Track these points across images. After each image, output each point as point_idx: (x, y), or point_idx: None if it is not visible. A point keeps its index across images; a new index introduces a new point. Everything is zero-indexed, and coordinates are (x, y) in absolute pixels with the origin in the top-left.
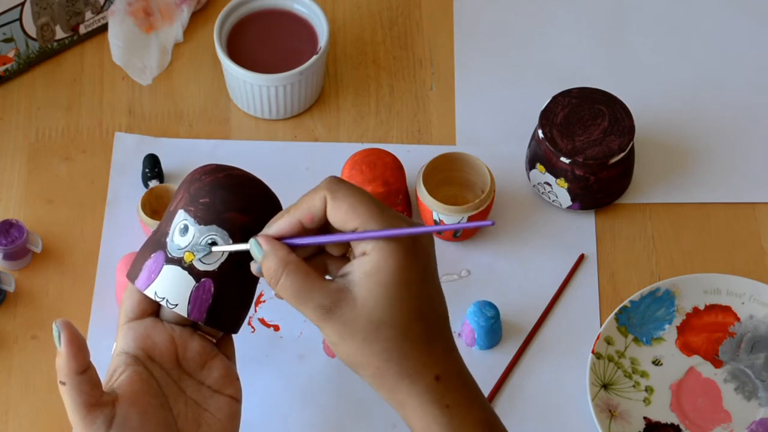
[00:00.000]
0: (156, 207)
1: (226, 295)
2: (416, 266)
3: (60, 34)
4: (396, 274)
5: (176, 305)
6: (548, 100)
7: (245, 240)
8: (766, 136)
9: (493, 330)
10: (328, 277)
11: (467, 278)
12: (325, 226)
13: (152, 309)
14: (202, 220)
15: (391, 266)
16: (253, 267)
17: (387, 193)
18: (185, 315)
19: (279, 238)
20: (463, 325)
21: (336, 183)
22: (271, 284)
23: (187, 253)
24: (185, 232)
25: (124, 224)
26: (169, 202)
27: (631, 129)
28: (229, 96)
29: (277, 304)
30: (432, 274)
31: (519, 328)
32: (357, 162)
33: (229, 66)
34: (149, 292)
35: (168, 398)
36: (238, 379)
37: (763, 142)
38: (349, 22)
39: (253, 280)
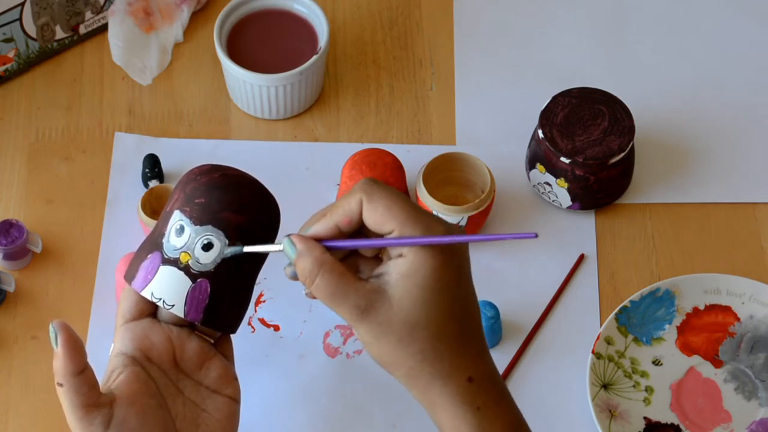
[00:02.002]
0: (156, 207)
1: (223, 296)
2: (452, 267)
3: (60, 34)
4: (432, 276)
5: (173, 306)
6: (548, 100)
7: (241, 240)
8: (766, 136)
9: (493, 330)
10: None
11: None
12: (360, 229)
13: (150, 310)
14: (198, 220)
15: (428, 268)
16: (287, 271)
17: None
18: (182, 315)
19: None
20: None
21: (371, 185)
22: (305, 284)
23: (183, 253)
24: (181, 233)
25: (124, 224)
26: (166, 203)
27: (631, 129)
28: (229, 96)
29: (276, 304)
30: (467, 276)
31: (519, 328)
32: (357, 162)
33: (229, 66)
34: (146, 293)
35: (166, 399)
36: (236, 379)
37: (763, 142)
38: (349, 22)
39: (251, 280)
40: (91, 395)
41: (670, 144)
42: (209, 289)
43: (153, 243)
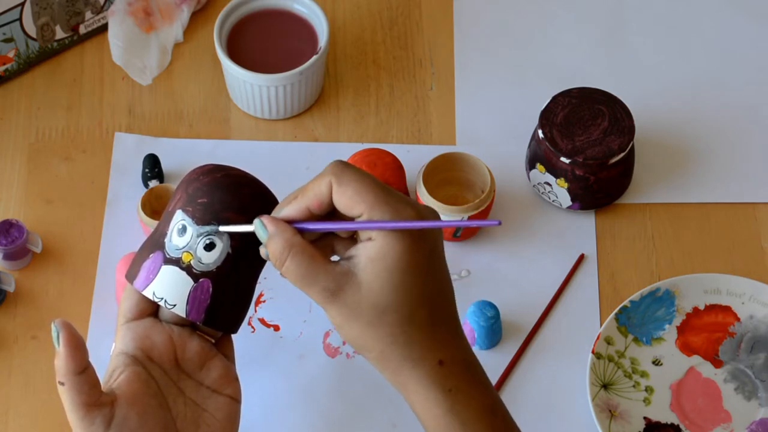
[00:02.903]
0: (156, 207)
1: (225, 296)
2: (422, 251)
3: (60, 34)
4: (401, 260)
5: (174, 305)
6: (548, 100)
7: (244, 239)
8: (766, 136)
9: (493, 330)
10: (335, 257)
11: (467, 278)
12: (333, 210)
13: (151, 309)
14: (200, 220)
15: (396, 251)
16: (262, 250)
17: None
18: (184, 315)
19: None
20: (463, 325)
21: (341, 168)
22: (276, 266)
23: (185, 253)
24: (183, 233)
25: (124, 224)
26: (168, 203)
27: (631, 129)
28: (229, 96)
29: (277, 304)
30: (438, 258)
31: (519, 328)
32: (357, 162)
33: (229, 66)
34: (147, 293)
35: (167, 398)
36: (237, 379)
37: (763, 142)
38: (349, 22)
39: (252, 281)
40: (93, 394)
41: (670, 144)
42: (211, 289)
43: (155, 242)
